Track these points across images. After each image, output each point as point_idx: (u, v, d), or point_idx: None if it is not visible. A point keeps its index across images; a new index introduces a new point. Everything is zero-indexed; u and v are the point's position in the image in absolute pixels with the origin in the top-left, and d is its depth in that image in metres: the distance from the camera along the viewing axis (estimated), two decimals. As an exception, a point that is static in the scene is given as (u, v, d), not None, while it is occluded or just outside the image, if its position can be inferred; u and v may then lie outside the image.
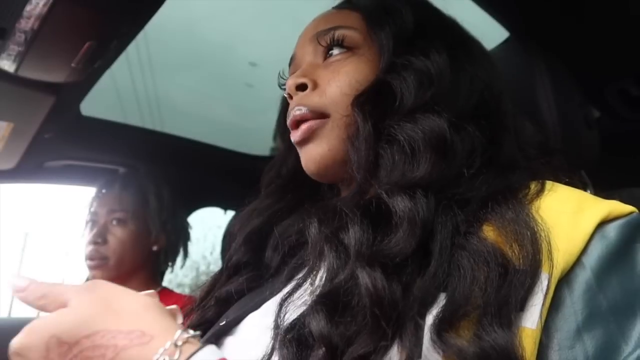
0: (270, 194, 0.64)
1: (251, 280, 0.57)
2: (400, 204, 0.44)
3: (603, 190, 0.82)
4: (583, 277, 0.40)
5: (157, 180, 1.36)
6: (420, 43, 0.54)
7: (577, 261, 0.40)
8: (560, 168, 0.54)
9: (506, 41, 0.89)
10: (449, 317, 0.38)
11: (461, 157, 0.49)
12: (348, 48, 0.56)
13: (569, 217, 0.43)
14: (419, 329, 0.38)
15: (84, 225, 1.31)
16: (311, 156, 0.54)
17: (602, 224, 0.42)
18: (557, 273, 0.39)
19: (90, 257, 1.25)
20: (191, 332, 0.37)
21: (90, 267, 1.25)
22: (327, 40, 0.56)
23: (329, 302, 0.41)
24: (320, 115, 0.54)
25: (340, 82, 0.54)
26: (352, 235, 0.44)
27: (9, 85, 0.92)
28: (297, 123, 0.54)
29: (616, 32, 0.84)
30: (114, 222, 1.28)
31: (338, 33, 0.56)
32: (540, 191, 0.46)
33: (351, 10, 0.59)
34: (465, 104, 0.53)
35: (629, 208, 0.43)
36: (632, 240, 0.41)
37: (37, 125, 1.09)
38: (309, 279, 0.47)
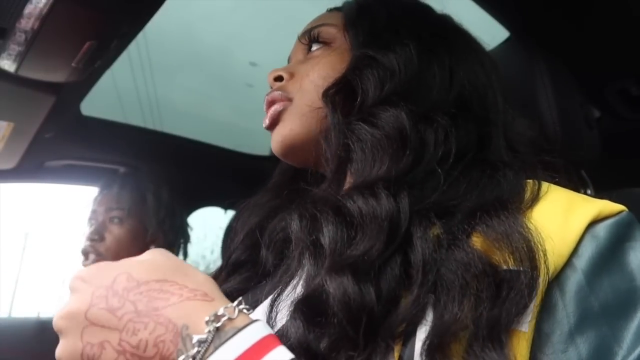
0: (269, 190, 0.64)
1: (249, 279, 0.57)
2: (358, 202, 0.43)
3: (603, 190, 0.82)
4: (574, 279, 0.39)
5: (157, 179, 1.36)
6: (388, 37, 0.55)
7: (568, 262, 0.39)
8: (554, 166, 0.53)
9: (506, 41, 0.89)
10: (437, 342, 0.36)
11: (433, 151, 0.48)
12: (325, 43, 0.59)
13: (559, 218, 0.42)
14: (404, 353, 0.37)
15: (84, 223, 1.32)
16: (275, 138, 0.57)
17: (592, 224, 0.41)
18: (548, 276, 0.38)
19: (85, 253, 1.26)
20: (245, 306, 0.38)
21: (86, 265, 1.26)
22: (306, 37, 0.60)
23: (305, 308, 0.40)
24: (287, 98, 0.57)
25: (313, 73, 0.56)
26: (327, 235, 0.43)
27: (10, 85, 0.92)
28: (269, 106, 0.58)
29: (617, 31, 0.84)
30: (113, 221, 1.29)
31: (315, 30, 0.59)
32: (536, 197, 0.45)
33: (338, 10, 0.62)
34: (441, 96, 0.52)
35: (618, 207, 0.43)
36: (622, 239, 0.41)
37: (38, 125, 1.09)
38: (294, 280, 0.47)
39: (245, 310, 0.37)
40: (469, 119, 0.52)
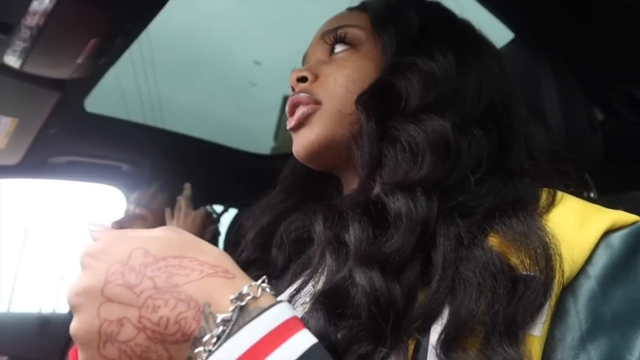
0: (282, 190, 0.64)
1: (259, 278, 0.57)
2: (398, 203, 0.44)
3: (606, 193, 0.82)
4: (587, 287, 0.39)
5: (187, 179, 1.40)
6: (424, 44, 0.54)
7: (582, 270, 0.40)
8: (569, 176, 0.53)
9: (511, 42, 0.89)
10: (454, 334, 0.37)
11: (467, 160, 0.49)
12: (351, 45, 0.57)
13: (575, 226, 0.42)
14: (419, 346, 0.37)
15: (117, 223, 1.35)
16: (300, 141, 0.55)
17: (607, 233, 0.41)
18: (562, 281, 0.39)
19: None
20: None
21: None
22: (330, 37, 0.58)
23: (327, 301, 0.41)
24: (314, 101, 0.55)
25: (340, 75, 0.55)
26: (352, 233, 0.43)
27: (14, 81, 0.92)
28: (293, 107, 0.56)
29: (621, 34, 0.84)
30: (138, 219, 1.32)
31: (341, 30, 0.58)
32: (551, 203, 0.45)
33: (360, 11, 0.61)
34: (473, 107, 0.52)
35: (633, 217, 0.43)
36: (636, 249, 0.41)
37: (42, 121, 1.10)
38: (314, 277, 0.47)
39: (267, 290, 0.37)
40: (495, 128, 0.52)
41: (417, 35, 0.56)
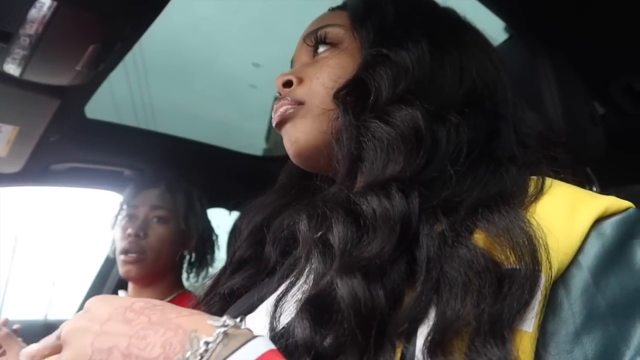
0: (276, 190, 0.64)
1: (253, 276, 0.57)
2: (371, 203, 0.43)
3: (609, 187, 0.82)
4: (580, 277, 0.38)
5: (188, 184, 1.37)
6: (398, 34, 0.54)
7: (574, 261, 0.39)
8: (561, 161, 0.52)
9: (510, 38, 0.89)
10: (439, 338, 0.36)
11: (446, 149, 0.47)
12: (332, 44, 0.58)
13: (564, 215, 0.41)
14: (407, 351, 0.37)
15: (116, 219, 1.31)
16: (287, 139, 0.56)
17: (599, 221, 0.40)
18: (553, 274, 0.38)
19: (128, 250, 1.23)
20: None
21: (127, 262, 1.23)
22: (312, 39, 0.59)
23: (312, 308, 0.40)
24: (297, 102, 0.56)
25: (322, 75, 0.55)
26: (337, 235, 0.43)
27: (14, 89, 0.92)
28: (281, 110, 0.57)
29: (621, 27, 0.84)
30: (155, 220, 1.28)
31: (321, 31, 0.58)
32: (539, 192, 0.44)
33: (341, 9, 0.61)
34: (453, 93, 0.51)
35: (625, 203, 0.42)
36: (629, 236, 0.40)
37: (42, 128, 1.10)
38: (301, 279, 0.47)
39: (248, 330, 0.38)
40: (479, 115, 0.52)
41: (392, 27, 0.55)
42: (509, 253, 0.39)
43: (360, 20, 0.57)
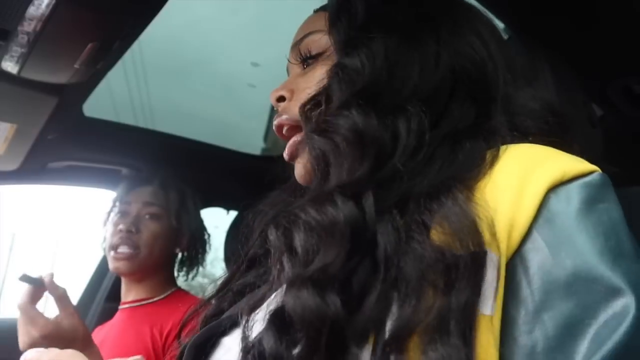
0: (287, 188, 0.64)
1: (264, 274, 0.56)
2: (313, 214, 0.42)
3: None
4: (537, 252, 0.36)
5: (187, 183, 1.37)
6: (358, 35, 0.52)
7: (529, 233, 0.37)
8: (553, 133, 0.49)
9: (508, 39, 0.89)
10: (395, 339, 0.35)
11: (407, 142, 0.45)
12: (318, 54, 0.56)
13: (513, 185, 0.39)
14: (377, 346, 0.36)
15: (108, 215, 1.31)
16: (297, 173, 0.56)
17: (558, 186, 0.38)
18: (506, 251, 0.36)
19: (119, 245, 1.23)
20: None
21: (117, 258, 1.23)
22: (297, 57, 0.58)
23: (277, 320, 0.40)
24: (295, 123, 0.55)
25: (311, 87, 0.54)
26: (299, 244, 0.41)
27: (12, 86, 0.92)
28: (279, 129, 0.57)
29: (619, 29, 0.84)
30: (147, 216, 1.28)
31: (304, 44, 0.57)
32: (492, 163, 0.42)
33: (324, 11, 0.59)
34: (422, 82, 0.49)
35: (588, 167, 0.39)
36: (591, 201, 0.37)
37: (40, 126, 1.10)
38: (273, 288, 0.46)
39: None
40: (460, 99, 0.50)
41: (358, 27, 0.53)
42: (453, 241, 0.37)
43: (334, 23, 0.55)
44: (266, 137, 1.75)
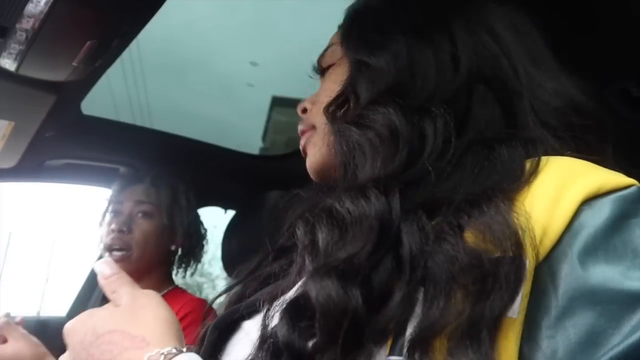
0: (317, 184, 0.65)
1: (290, 265, 0.57)
2: (348, 204, 0.43)
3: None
4: (565, 260, 0.36)
5: (185, 182, 1.37)
6: (376, 37, 0.54)
7: (560, 242, 0.37)
8: (585, 143, 0.49)
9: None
10: (420, 339, 0.35)
11: (434, 143, 0.46)
12: (332, 64, 0.60)
13: (551, 195, 0.39)
14: (396, 344, 0.36)
15: (103, 216, 1.31)
16: (309, 166, 0.60)
17: (593, 198, 0.38)
18: (536, 257, 0.37)
19: (113, 246, 1.23)
20: (184, 349, 0.42)
21: (112, 259, 1.24)
22: (320, 66, 0.62)
23: (292, 309, 0.40)
24: (311, 127, 0.60)
25: (324, 95, 0.57)
26: (321, 236, 0.43)
27: (10, 84, 0.92)
28: (302, 135, 0.61)
29: (617, 32, 0.84)
30: (140, 215, 1.28)
31: (323, 58, 0.61)
32: (533, 173, 0.42)
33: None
34: (443, 84, 0.50)
35: (627, 180, 0.39)
36: (625, 216, 0.37)
37: (38, 124, 1.09)
38: (298, 282, 0.47)
39: (184, 350, 0.42)
40: (484, 98, 0.50)
41: (371, 30, 0.55)
42: (492, 248, 0.37)
43: (346, 32, 0.58)
44: (264, 136, 1.76)
